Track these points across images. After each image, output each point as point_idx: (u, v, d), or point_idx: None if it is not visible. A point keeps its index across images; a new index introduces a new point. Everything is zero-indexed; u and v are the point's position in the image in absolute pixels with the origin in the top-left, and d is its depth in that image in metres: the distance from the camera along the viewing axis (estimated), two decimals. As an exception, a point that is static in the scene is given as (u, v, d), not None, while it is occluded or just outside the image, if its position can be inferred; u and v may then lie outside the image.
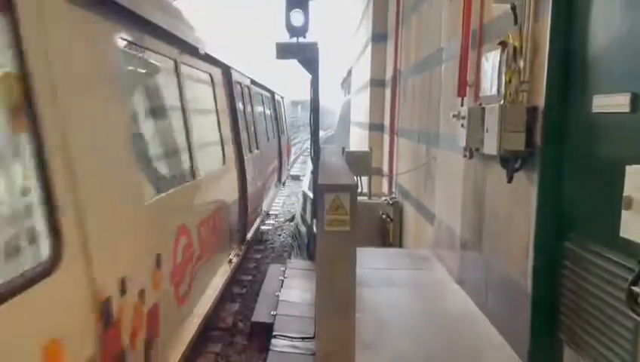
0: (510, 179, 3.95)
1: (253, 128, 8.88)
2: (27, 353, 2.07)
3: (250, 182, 7.59)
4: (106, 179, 2.94)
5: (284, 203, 15.95)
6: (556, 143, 3.52)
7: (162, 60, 4.39)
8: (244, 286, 7.73)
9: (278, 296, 5.99)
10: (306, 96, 7.02)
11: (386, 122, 11.56)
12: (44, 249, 2.24)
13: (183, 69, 4.87)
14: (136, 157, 3.47)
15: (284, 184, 14.93)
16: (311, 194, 9.82)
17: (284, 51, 6.33)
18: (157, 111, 4.39)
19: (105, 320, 2.74)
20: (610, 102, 2.93)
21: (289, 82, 21.37)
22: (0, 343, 1.90)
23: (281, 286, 6.30)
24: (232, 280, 6.91)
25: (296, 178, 20.36)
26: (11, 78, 2.16)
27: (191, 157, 4.82)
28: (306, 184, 15.00)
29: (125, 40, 3.52)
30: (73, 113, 2.57)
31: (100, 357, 2.67)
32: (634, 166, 2.46)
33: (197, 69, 5.56)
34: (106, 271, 2.79)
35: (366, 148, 11.27)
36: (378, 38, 12.56)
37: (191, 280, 4.58)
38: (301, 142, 33.50)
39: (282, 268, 6.99)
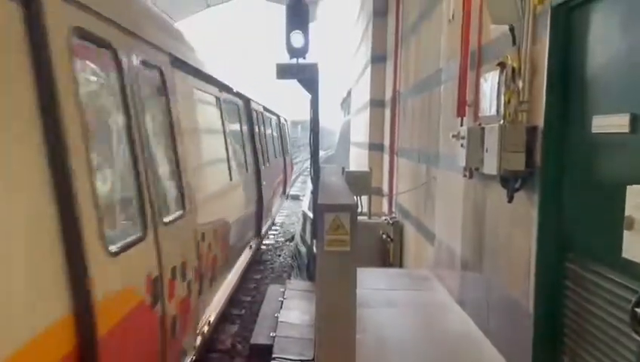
0: (510, 199, 3.95)
1: (265, 146, 10.68)
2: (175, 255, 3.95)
3: (264, 188, 9.40)
4: (212, 170, 5.93)
5: (283, 222, 15.89)
6: (556, 163, 3.52)
7: (213, 97, 6.44)
8: (242, 308, 7.66)
9: (277, 317, 5.92)
10: (305, 116, 7.05)
11: (386, 142, 11.59)
12: (180, 207, 4.26)
13: (222, 102, 6.86)
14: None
15: (287, 197, 16.67)
16: (311, 214, 9.79)
17: (284, 72, 6.38)
18: (214, 133, 6.38)
19: (197, 252, 4.59)
20: (609, 123, 2.94)
21: (289, 102, 21.51)
22: (171, 242, 3.80)
23: (281, 307, 6.24)
24: (231, 301, 6.87)
25: (295, 198, 20.30)
26: (169, 126, 4.22)
27: (229, 166, 6.76)
28: (305, 204, 14.97)
29: (198, 88, 5.59)
30: (203, 139, 5.65)
31: (198, 274, 4.53)
32: (635, 186, 2.46)
33: (230, 102, 7.51)
34: (200, 226, 4.77)
35: (366, 168, 11.27)
36: (377, 59, 12.68)
37: (232, 247, 6.66)
38: (301, 162, 33.55)
39: (282, 289, 6.93)
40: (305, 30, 6.35)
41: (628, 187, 2.49)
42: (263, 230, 9.72)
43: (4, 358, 1.94)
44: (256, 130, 9.56)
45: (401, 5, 10.12)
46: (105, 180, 3.02)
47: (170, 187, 4.12)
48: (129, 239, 3.12)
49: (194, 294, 4.41)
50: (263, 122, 10.95)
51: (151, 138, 3.68)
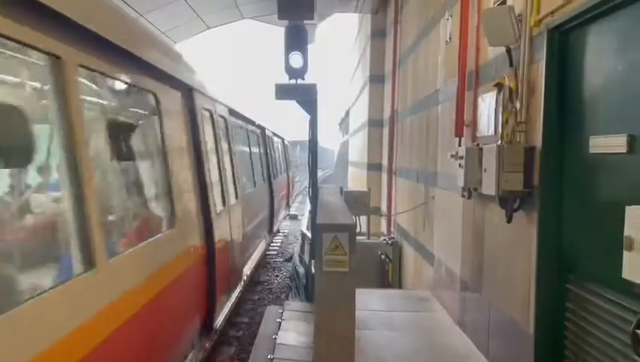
0: (509, 220, 3.94)
1: (274, 163, 13.47)
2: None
3: (275, 196, 12.32)
4: (246, 178, 8.80)
5: (282, 242, 15.82)
6: (555, 183, 3.52)
7: (245, 129, 9.49)
8: (240, 329, 7.57)
9: (275, 338, 5.85)
10: (304, 136, 7.08)
11: (384, 162, 11.61)
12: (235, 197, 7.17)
13: (249, 132, 9.97)
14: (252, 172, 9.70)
15: (290, 207, 19.41)
16: (309, 234, 9.76)
17: (283, 92, 6.43)
18: (247, 154, 9.54)
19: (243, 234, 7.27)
20: (607, 143, 2.95)
21: (288, 122, 21.76)
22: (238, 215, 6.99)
23: (279, 328, 6.17)
24: (229, 322, 6.80)
25: (294, 217, 20.22)
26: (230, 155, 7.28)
27: (253, 176, 9.76)
28: (304, 224, 14.92)
29: (239, 125, 8.67)
30: (241, 159, 8.55)
31: (243, 245, 7.07)
32: (633, 206, 2.46)
33: (253, 131, 10.59)
34: (242, 216, 7.30)
35: (364, 188, 11.28)
36: (376, 79, 12.79)
37: (254, 236, 9.05)
38: (300, 181, 33.51)
39: (280, 310, 6.86)
40: (303, 51, 6.41)
41: (627, 207, 2.49)
42: (275, 228, 12.93)
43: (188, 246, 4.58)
44: (269, 151, 12.60)
45: (398, 27, 10.25)
46: (228, 181, 6.70)
47: (239, 184, 7.60)
48: (226, 205, 6.24)
49: (243, 252, 7.39)
50: (272, 144, 13.82)
51: (237, 158, 7.82)
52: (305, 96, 6.52)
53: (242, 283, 7.16)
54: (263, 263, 11.39)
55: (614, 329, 2.88)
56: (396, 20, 10.45)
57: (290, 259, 12.95)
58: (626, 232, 2.45)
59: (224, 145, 6.61)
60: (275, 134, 14.34)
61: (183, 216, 4.44)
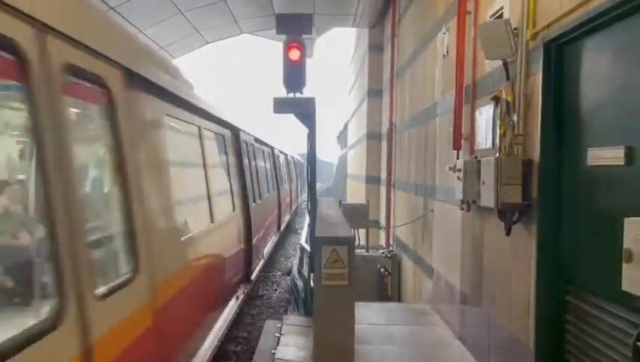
0: (508, 232, 3.93)
1: (281, 176, 16.22)
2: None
3: (282, 202, 15.02)
4: (265, 184, 11.57)
5: (281, 255, 15.76)
6: (553, 195, 3.52)
7: (266, 151, 12.51)
8: (238, 344, 7.51)
9: (274, 353, 5.80)
10: (303, 149, 7.10)
11: (383, 174, 11.62)
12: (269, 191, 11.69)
13: (265, 153, 12.24)
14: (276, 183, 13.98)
15: (294, 213, 22.37)
16: (308, 247, 9.72)
17: (281, 106, 6.44)
18: (264, 168, 11.88)
19: (264, 226, 10.40)
20: (604, 155, 2.95)
21: (286, 135, 22.08)
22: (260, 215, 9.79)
23: (278, 343, 6.11)
24: (227, 337, 6.74)
25: (292, 230, 20.16)
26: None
27: (268, 187, 11.99)
28: (303, 237, 14.89)
29: (259, 148, 11.13)
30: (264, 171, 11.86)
31: (264, 232, 10.03)
32: (632, 218, 2.45)
33: (269, 152, 13.33)
34: (263, 212, 10.31)
35: (363, 201, 11.28)
36: (374, 92, 12.85)
37: (268, 231, 11.23)
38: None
39: (278, 325, 6.81)
40: (302, 65, 6.43)
41: (625, 219, 2.48)
42: (282, 227, 15.10)
43: (241, 224, 7.29)
44: (276, 165, 15.40)
45: (396, 40, 10.32)
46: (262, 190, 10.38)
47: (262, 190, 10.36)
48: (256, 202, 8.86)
49: (264, 237, 9.95)
50: (279, 161, 16.95)
51: (259, 171, 10.47)
52: (303, 110, 6.53)
53: (263, 260, 9.89)
54: (274, 252, 14.05)
55: (615, 342, 2.86)
56: (394, 34, 10.53)
57: (289, 273, 12.89)
58: (625, 244, 2.44)
59: (252, 163, 9.54)
60: (281, 151, 18.12)
61: (238, 205, 7.31)
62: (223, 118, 6.67)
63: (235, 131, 7.71)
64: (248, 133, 9.04)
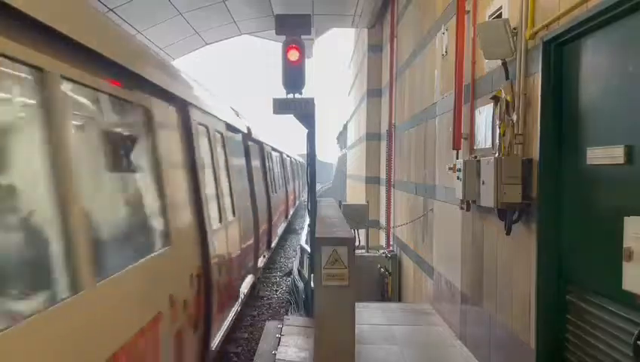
0: (508, 232, 3.93)
1: (287, 176, 18.77)
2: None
3: (289, 196, 17.53)
4: (279, 185, 15.01)
5: (280, 257, 15.76)
6: (553, 195, 3.52)
7: (277, 156, 15.27)
8: (239, 345, 7.50)
9: (275, 354, 5.80)
10: (302, 150, 7.10)
11: (383, 175, 11.62)
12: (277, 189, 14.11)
13: (275, 157, 14.44)
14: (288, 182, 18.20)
15: (296, 208, 24.65)
16: (308, 248, 9.72)
17: (281, 106, 6.44)
18: (283, 171, 16.92)
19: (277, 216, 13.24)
20: (604, 154, 2.96)
21: (285, 136, 22.44)
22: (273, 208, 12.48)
23: (278, 344, 6.12)
24: (227, 339, 6.74)
25: (293, 231, 20.15)
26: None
27: (280, 183, 14.97)
28: (303, 237, 14.89)
29: (278, 157, 15.62)
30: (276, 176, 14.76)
31: (272, 221, 11.80)
32: (632, 217, 2.46)
33: (280, 156, 16.23)
34: (275, 204, 12.56)
35: (363, 201, 11.28)
36: (373, 93, 12.85)
37: (280, 217, 14.33)
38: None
39: (279, 325, 6.81)
40: (301, 65, 6.43)
41: (625, 218, 2.49)
42: (290, 214, 18.21)
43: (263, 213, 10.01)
44: (284, 168, 17.62)
45: (395, 41, 10.33)
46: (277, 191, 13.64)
47: (284, 184, 16.29)
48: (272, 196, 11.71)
49: (271, 227, 11.15)
50: (284, 162, 18.92)
51: (273, 172, 13.47)
52: (303, 111, 6.53)
53: (277, 237, 13.01)
54: (281, 241, 16.01)
55: (615, 341, 2.86)
56: (393, 34, 10.54)
57: (289, 274, 12.89)
58: (625, 243, 2.45)
59: (270, 165, 12.17)
60: (287, 155, 20.63)
61: (264, 195, 10.24)
62: (258, 139, 10.05)
63: (261, 144, 10.79)
64: (267, 144, 12.40)
